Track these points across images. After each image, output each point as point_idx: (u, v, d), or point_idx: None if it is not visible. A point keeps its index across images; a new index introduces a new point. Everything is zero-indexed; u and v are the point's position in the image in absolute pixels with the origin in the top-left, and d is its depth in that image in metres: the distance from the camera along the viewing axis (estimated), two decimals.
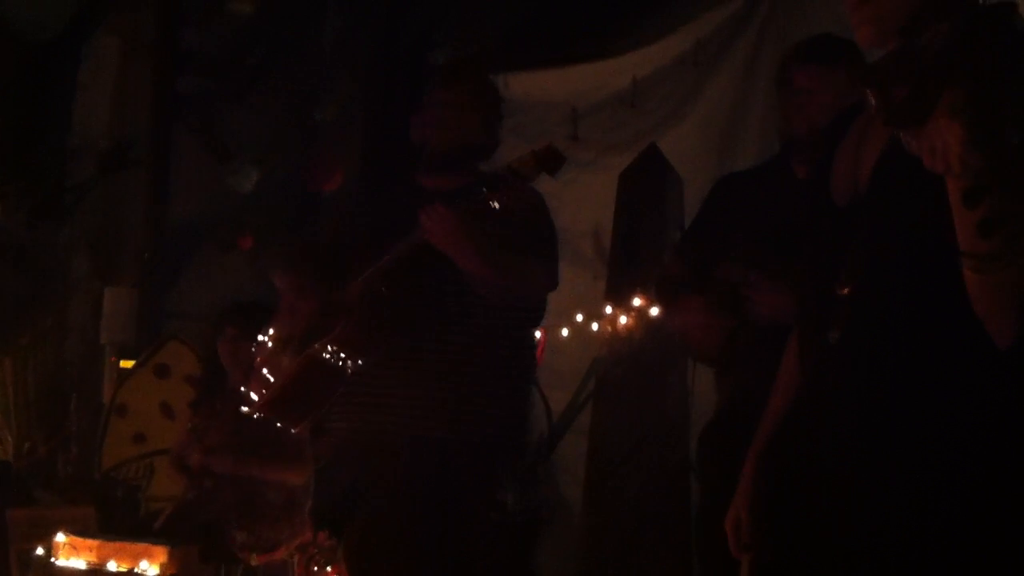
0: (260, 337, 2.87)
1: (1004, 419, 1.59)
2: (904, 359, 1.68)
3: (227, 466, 3.83)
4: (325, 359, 2.58)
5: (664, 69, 4.80)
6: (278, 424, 2.74)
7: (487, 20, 5.27)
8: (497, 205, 2.44)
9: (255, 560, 3.74)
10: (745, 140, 4.48)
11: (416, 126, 2.74)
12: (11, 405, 5.07)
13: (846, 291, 1.78)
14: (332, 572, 3.61)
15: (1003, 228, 1.27)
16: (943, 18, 1.49)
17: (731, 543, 1.92)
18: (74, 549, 3.75)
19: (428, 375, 2.61)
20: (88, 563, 3.72)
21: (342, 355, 2.57)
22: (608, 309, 4.51)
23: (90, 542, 3.76)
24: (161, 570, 3.65)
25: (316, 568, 3.75)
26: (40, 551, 3.87)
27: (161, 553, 3.66)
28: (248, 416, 2.76)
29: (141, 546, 3.70)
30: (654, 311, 4.27)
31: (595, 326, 4.61)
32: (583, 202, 4.89)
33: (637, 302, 4.36)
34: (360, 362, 2.57)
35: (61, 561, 3.76)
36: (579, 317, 4.68)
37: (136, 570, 3.65)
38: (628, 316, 4.38)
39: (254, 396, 2.82)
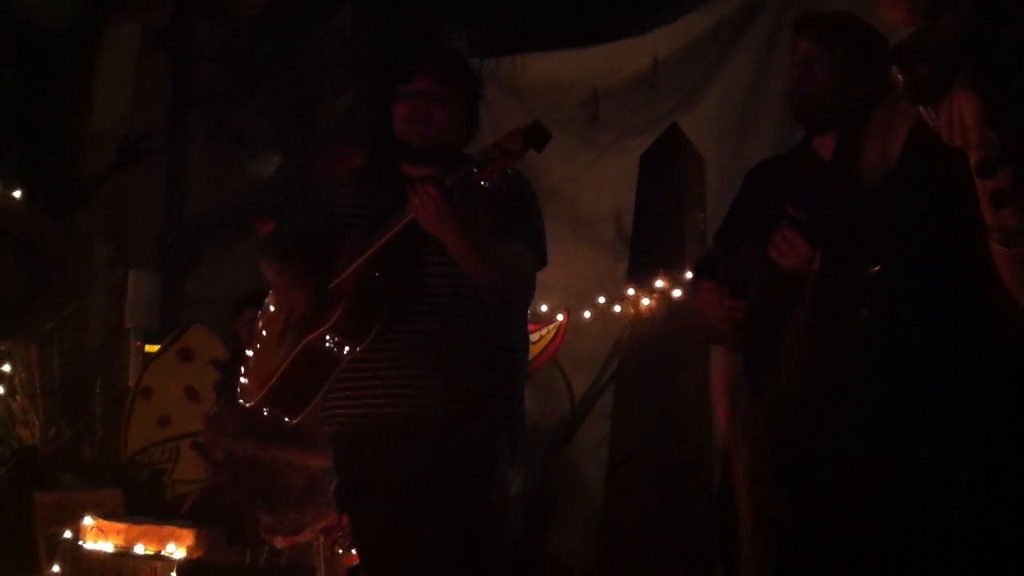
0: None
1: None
2: (932, 339, 1.69)
3: (249, 449, 3.85)
4: (320, 348, 2.58)
5: (685, 49, 4.77)
6: (277, 415, 2.75)
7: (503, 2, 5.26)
8: (485, 183, 2.42)
9: (280, 543, 3.76)
10: (764, 120, 4.45)
11: (401, 118, 2.71)
12: (37, 390, 5.12)
13: (876, 270, 1.78)
14: (356, 555, 3.62)
15: (1017, 199, 1.31)
16: None
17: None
18: (101, 532, 3.77)
19: (421, 357, 2.60)
20: (115, 546, 3.75)
21: (337, 342, 2.58)
22: (630, 291, 4.50)
23: (117, 525, 3.78)
24: (188, 552, 3.67)
25: (340, 551, 3.77)
26: (68, 534, 3.90)
27: (188, 536, 3.68)
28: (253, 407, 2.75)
29: (168, 529, 3.72)
30: (676, 293, 4.26)
31: (617, 308, 4.60)
32: (604, 184, 4.87)
33: (659, 284, 4.35)
34: (357, 349, 2.58)
35: (89, 544, 3.79)
36: (601, 300, 4.68)
37: (163, 553, 3.67)
38: (651, 298, 4.37)
39: (249, 388, 2.81)
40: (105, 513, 3.95)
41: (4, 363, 5.10)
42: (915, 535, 1.72)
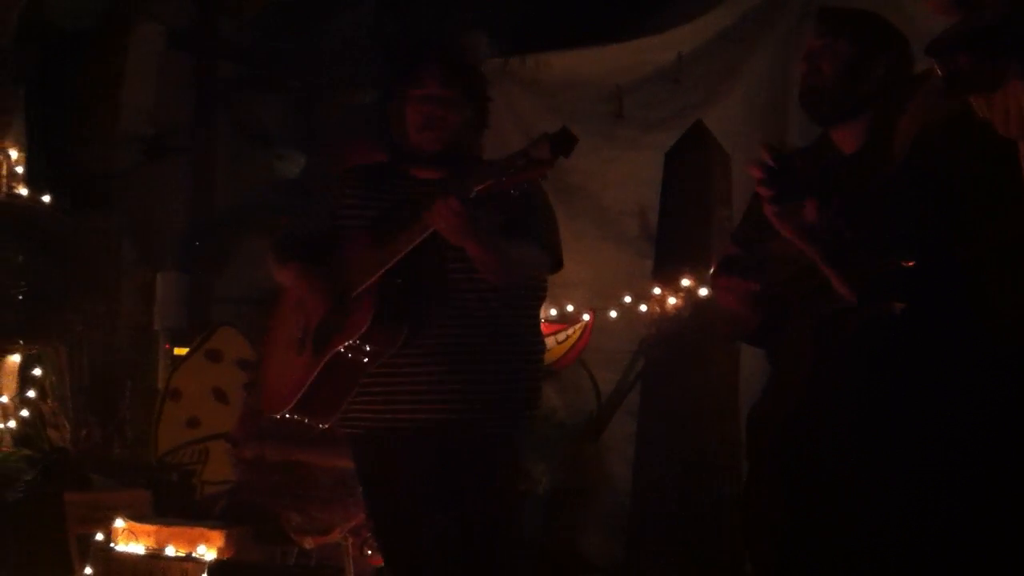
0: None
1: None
2: (932, 339, 1.68)
3: (277, 451, 3.87)
4: (348, 355, 2.59)
5: (708, 44, 4.73)
6: (308, 422, 2.76)
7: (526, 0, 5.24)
8: (515, 192, 2.42)
9: (309, 543, 3.78)
10: (788, 115, 4.42)
11: (416, 124, 2.68)
12: (67, 391, 5.15)
13: (911, 264, 1.77)
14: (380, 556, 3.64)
15: None
16: None
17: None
18: (132, 534, 3.81)
19: (450, 360, 2.61)
20: (147, 548, 3.78)
21: (367, 350, 2.58)
22: (656, 290, 4.49)
23: (148, 527, 3.82)
24: (218, 554, 3.70)
25: (369, 552, 3.78)
26: (99, 536, 3.93)
27: (218, 537, 3.71)
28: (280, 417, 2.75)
29: (198, 530, 3.75)
30: (703, 291, 4.24)
31: (643, 307, 4.59)
32: (627, 181, 4.86)
33: (685, 282, 4.33)
34: (385, 355, 2.59)
35: (120, 546, 3.82)
36: (627, 299, 4.66)
37: (194, 555, 3.70)
38: (676, 297, 4.36)
39: (273, 397, 2.80)
40: (135, 514, 3.98)
41: (35, 366, 5.14)
42: (915, 535, 1.71)
